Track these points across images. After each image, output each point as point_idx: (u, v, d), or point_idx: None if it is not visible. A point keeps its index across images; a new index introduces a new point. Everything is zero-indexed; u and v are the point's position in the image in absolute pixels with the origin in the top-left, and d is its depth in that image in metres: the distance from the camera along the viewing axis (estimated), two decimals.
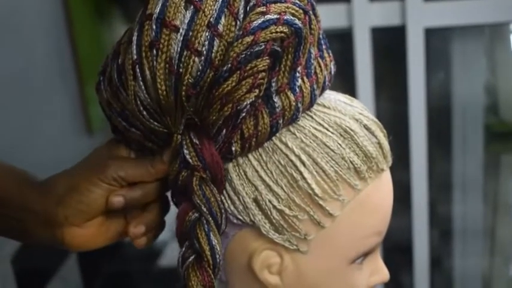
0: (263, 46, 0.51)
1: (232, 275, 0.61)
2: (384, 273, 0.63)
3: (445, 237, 1.88)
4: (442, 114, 1.78)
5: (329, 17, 1.54)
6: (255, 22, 0.51)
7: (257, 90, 0.52)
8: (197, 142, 0.54)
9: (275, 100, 0.55)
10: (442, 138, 1.80)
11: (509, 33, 1.81)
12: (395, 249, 1.80)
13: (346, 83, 1.73)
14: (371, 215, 0.58)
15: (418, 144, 1.67)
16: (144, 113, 0.53)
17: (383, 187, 0.59)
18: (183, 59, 0.51)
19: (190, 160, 0.54)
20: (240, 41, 0.51)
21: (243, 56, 0.50)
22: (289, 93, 0.55)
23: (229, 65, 0.50)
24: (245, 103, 0.52)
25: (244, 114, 0.53)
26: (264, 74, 0.52)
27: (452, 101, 1.78)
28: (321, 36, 0.59)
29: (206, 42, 0.51)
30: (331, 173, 0.55)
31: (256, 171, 0.56)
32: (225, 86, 0.51)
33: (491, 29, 1.77)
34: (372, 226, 0.59)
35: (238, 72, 0.51)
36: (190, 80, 0.51)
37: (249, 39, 0.51)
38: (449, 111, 1.78)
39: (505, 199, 1.90)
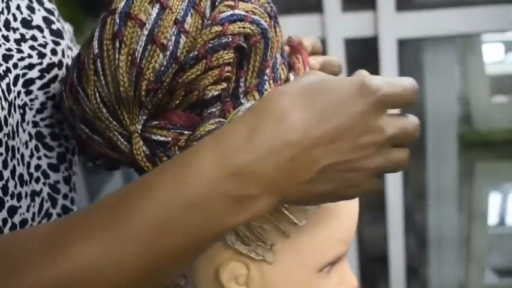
0: (230, 39, 0.52)
1: (200, 287, 0.61)
2: (351, 281, 0.63)
3: (421, 245, 1.89)
4: None
5: (302, 28, 1.55)
6: (223, 14, 0.52)
7: (224, 84, 0.53)
8: (158, 122, 0.54)
9: (242, 101, 0.55)
10: (416, 147, 1.82)
11: (481, 43, 1.84)
12: (372, 258, 1.81)
13: None
14: (337, 223, 0.58)
15: None
16: (104, 110, 0.53)
17: None
18: (146, 53, 0.51)
19: (163, 138, 0.53)
20: (208, 29, 0.51)
21: (210, 45, 0.51)
22: (256, 94, 0.56)
23: (196, 53, 0.51)
24: (211, 94, 0.52)
25: (213, 110, 0.54)
26: (229, 67, 0.53)
27: (426, 111, 1.80)
28: (283, 47, 0.59)
29: (172, 38, 0.51)
30: None
31: None
32: (189, 73, 0.51)
33: (464, 39, 1.79)
34: (338, 234, 0.59)
35: (204, 61, 0.51)
36: (151, 75, 0.51)
37: (217, 28, 0.51)
38: (423, 121, 1.80)
39: (480, 207, 1.93)
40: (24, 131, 0.59)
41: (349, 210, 0.60)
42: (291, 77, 0.59)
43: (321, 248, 0.58)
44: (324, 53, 0.68)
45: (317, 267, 0.59)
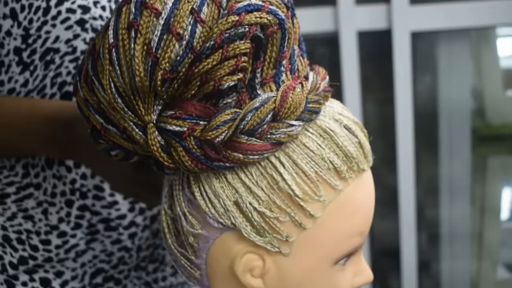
0: (247, 29, 0.51)
1: (215, 279, 0.61)
2: (367, 274, 0.62)
3: (433, 240, 1.88)
4: (429, 117, 1.78)
5: (315, 21, 1.54)
6: (240, 4, 0.52)
7: (240, 74, 0.53)
8: (173, 112, 0.53)
9: (259, 92, 0.55)
10: (429, 141, 1.81)
11: (495, 36, 1.82)
12: (383, 252, 1.80)
13: (332, 87, 1.73)
14: (353, 215, 0.58)
15: (405, 148, 1.68)
16: (119, 100, 0.53)
17: (364, 187, 0.59)
18: (162, 43, 0.51)
19: (178, 128, 0.53)
20: (225, 19, 0.51)
21: (227, 34, 0.51)
22: (272, 86, 0.55)
23: (212, 42, 0.51)
24: (227, 84, 0.52)
25: (228, 101, 0.53)
26: (246, 58, 0.52)
27: (439, 105, 1.78)
28: (301, 38, 0.59)
29: (189, 27, 0.51)
30: (311, 174, 0.55)
31: (236, 173, 0.55)
32: (205, 63, 0.51)
33: (478, 32, 1.77)
34: (354, 226, 0.58)
35: (220, 51, 0.51)
36: (167, 64, 0.51)
37: (234, 18, 0.51)
38: (436, 114, 1.78)
39: (492, 202, 1.91)
40: None
41: (365, 202, 0.59)
42: (311, 75, 0.59)
43: (337, 241, 0.58)
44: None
45: (333, 260, 0.58)
